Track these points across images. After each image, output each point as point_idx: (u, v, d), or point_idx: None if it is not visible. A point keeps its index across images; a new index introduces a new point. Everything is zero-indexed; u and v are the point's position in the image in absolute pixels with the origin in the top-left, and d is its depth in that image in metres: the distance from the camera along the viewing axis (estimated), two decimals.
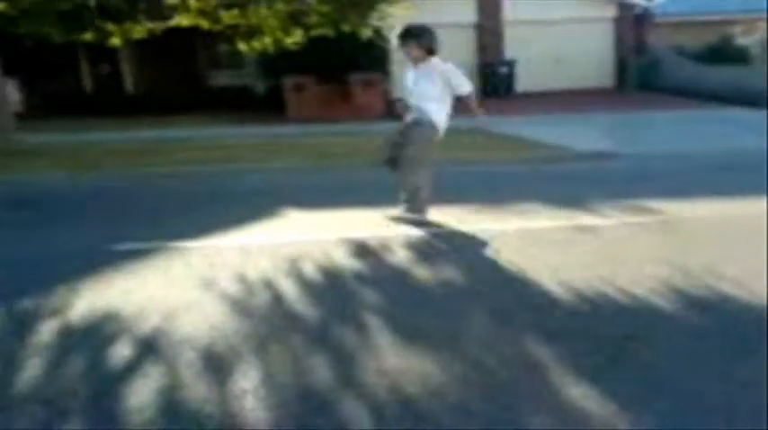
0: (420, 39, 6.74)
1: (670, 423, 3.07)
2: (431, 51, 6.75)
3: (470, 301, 4.62)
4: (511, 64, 22.49)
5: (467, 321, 4.24)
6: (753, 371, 3.52)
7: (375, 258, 5.67)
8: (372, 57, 17.82)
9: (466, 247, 5.96)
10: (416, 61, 6.80)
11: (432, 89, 6.71)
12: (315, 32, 13.91)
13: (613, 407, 3.18)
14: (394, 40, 6.97)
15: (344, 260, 5.59)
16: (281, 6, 13.22)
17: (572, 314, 4.36)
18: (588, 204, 7.56)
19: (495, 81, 22.36)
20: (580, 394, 3.29)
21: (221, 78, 22.50)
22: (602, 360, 3.67)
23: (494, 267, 5.37)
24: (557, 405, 3.21)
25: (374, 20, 13.75)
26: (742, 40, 24.02)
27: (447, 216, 7.03)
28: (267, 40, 14.07)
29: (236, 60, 21.72)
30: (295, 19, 13.50)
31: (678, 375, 3.49)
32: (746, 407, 3.18)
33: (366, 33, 14.03)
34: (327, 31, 13.77)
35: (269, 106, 19.51)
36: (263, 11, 13.22)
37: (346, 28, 13.72)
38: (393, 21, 15.47)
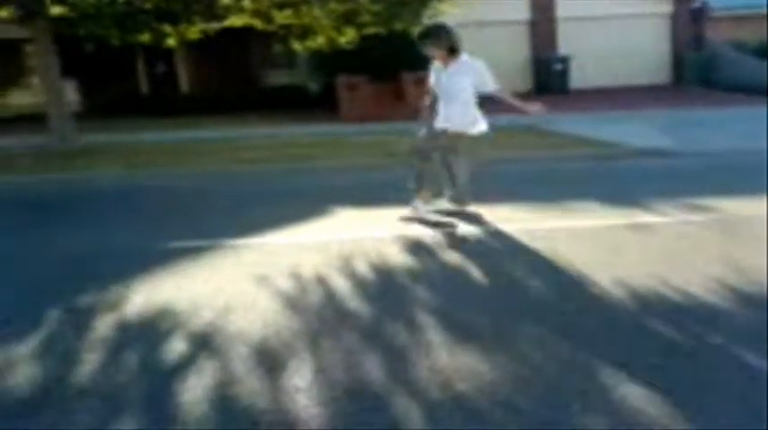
0: (437, 39, 6.67)
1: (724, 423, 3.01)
2: (453, 50, 6.67)
3: (523, 300, 4.59)
4: (565, 60, 22.23)
5: (519, 320, 4.20)
6: None
7: (428, 256, 5.67)
8: (423, 55, 17.75)
9: (518, 246, 5.91)
10: (443, 61, 6.75)
11: (456, 89, 6.67)
12: (367, 31, 13.93)
13: (668, 407, 3.12)
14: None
15: (397, 257, 5.59)
16: (333, 6, 13.28)
17: (624, 312, 4.30)
18: (645, 202, 7.43)
19: (548, 78, 22.14)
20: (634, 393, 3.24)
21: (274, 78, 22.65)
22: (657, 359, 3.61)
23: (547, 266, 5.32)
24: (608, 404, 3.16)
25: (426, 18, 13.70)
26: None
27: (499, 214, 6.99)
28: (321, 40, 14.16)
29: (288, 60, 21.88)
30: (348, 18, 13.55)
31: (730, 376, 3.42)
32: None
33: (417, 31, 13.99)
34: (380, 30, 13.79)
35: (322, 105, 19.59)
36: (317, 10, 13.31)
37: (398, 26, 13.72)
38: (444, 18, 15.51)
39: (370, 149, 12.34)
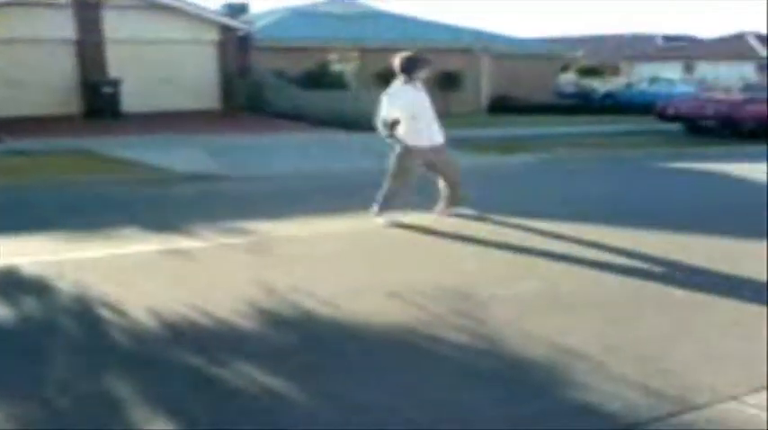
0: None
1: None
2: None
3: (51, 338, 4.31)
4: (115, 83, 21.72)
5: (47, 361, 3.93)
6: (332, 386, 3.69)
7: None
8: None
9: (47, 280, 5.55)
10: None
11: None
12: None
13: None
14: None
15: None
16: None
17: (155, 342, 4.26)
18: (185, 227, 7.48)
19: (99, 101, 21.46)
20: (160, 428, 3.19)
21: None
22: (183, 388, 3.61)
23: (77, 299, 5.08)
24: None
25: None
26: (338, 67, 25.76)
27: (35, 246, 6.55)
28: None
29: None
30: None
31: (260, 402, 3.54)
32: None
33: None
34: None
35: None
36: None
37: None
38: None
39: None
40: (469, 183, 8.38)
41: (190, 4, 23.81)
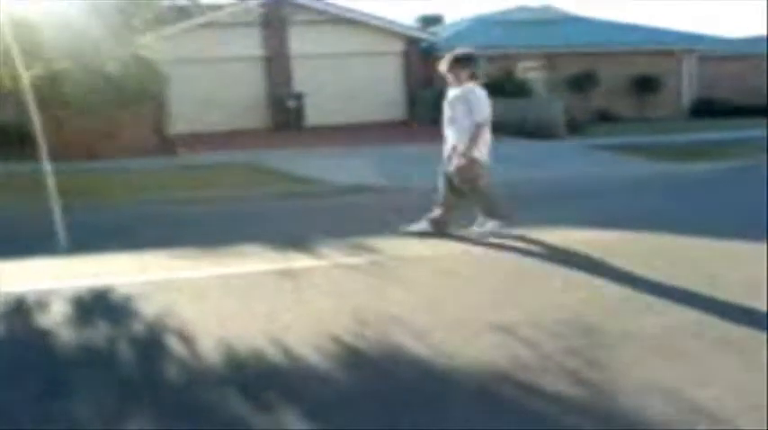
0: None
1: None
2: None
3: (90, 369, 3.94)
4: (299, 97, 22.07)
5: (67, 394, 3.55)
6: None
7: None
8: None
9: (139, 298, 5.24)
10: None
11: None
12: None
13: None
14: None
15: None
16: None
17: (207, 379, 3.77)
18: (310, 244, 7.00)
19: (284, 114, 21.87)
20: None
21: None
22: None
23: (152, 323, 4.71)
24: None
25: (129, 52, 12.76)
26: (529, 75, 24.69)
27: (147, 262, 6.36)
28: None
29: None
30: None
31: None
32: None
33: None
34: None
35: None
36: None
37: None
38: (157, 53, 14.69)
39: None
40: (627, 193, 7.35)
41: (375, 17, 23.83)
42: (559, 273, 5.74)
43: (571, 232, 7.17)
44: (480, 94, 6.97)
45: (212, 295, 5.33)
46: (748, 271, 5.56)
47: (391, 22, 24.50)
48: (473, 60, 7.12)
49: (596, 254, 6.22)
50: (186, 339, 4.37)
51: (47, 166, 7.53)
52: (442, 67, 7.20)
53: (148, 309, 5.01)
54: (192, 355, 4.12)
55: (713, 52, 28.00)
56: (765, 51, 29.38)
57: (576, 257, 6.20)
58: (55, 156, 7.87)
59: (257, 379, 3.78)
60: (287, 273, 5.88)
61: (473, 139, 6.89)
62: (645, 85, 25.86)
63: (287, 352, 4.15)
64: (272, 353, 4.12)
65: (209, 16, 21.24)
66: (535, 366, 3.81)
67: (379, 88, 24.22)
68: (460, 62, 7.07)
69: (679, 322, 4.47)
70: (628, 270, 5.71)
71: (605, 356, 3.93)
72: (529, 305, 4.91)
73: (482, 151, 7.07)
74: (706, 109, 26.16)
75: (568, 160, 14.76)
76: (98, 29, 11.70)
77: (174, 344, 4.31)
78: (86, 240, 7.16)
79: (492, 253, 6.59)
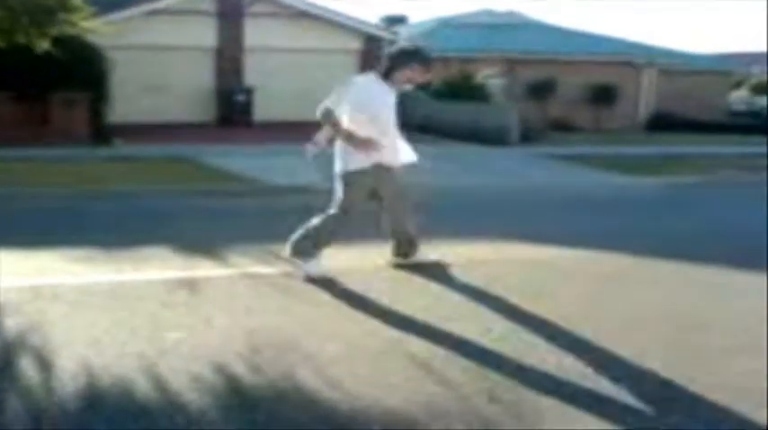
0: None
1: None
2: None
3: None
4: (249, 91, 21.28)
5: None
6: None
7: None
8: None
9: (6, 308, 4.53)
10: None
11: None
12: None
13: None
14: None
15: None
16: None
17: None
18: (222, 248, 6.33)
19: (231, 108, 21.07)
20: None
21: None
22: None
23: (12, 341, 4.03)
24: None
25: (57, 32, 11.94)
26: (486, 79, 24.08)
27: (39, 263, 5.69)
28: None
29: None
30: None
31: None
32: None
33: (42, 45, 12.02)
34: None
35: None
36: None
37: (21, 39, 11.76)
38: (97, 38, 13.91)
39: None
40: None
41: (335, 14, 23.16)
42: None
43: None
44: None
45: (92, 306, 4.64)
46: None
47: (350, 18, 23.83)
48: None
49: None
50: (42, 363, 3.70)
51: None
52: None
53: (10, 322, 4.31)
54: (42, 386, 3.45)
55: (674, 66, 27.81)
56: (728, 69, 29.37)
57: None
58: None
59: (111, 419, 3.12)
60: (186, 283, 5.21)
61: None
62: (603, 96, 25.57)
63: (158, 383, 3.50)
64: (140, 385, 3.47)
65: (162, 2, 20.48)
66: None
67: (333, 85, 23.49)
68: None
69: None
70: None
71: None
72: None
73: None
74: (664, 123, 25.89)
75: (509, 168, 14.26)
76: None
77: (25, 370, 3.63)
78: None
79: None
